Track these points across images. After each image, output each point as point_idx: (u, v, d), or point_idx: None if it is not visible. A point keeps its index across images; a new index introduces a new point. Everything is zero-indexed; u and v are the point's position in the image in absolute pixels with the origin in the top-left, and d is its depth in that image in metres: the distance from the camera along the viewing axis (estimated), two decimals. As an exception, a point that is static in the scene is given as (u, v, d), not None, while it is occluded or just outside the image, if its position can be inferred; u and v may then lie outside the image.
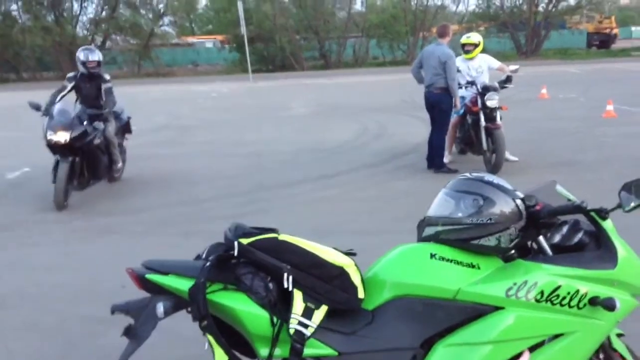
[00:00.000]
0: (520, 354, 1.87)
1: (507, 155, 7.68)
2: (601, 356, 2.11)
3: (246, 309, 1.83)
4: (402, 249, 2.05)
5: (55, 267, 4.80)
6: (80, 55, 7.05)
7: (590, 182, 6.59)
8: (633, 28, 47.21)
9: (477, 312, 1.89)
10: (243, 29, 26.32)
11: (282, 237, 1.92)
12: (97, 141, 6.79)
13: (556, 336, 1.90)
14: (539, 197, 2.17)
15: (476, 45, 7.83)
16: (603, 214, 2.00)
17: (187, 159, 9.22)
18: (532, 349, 1.89)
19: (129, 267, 1.94)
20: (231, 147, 10.29)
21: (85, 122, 6.63)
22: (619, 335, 2.18)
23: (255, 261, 1.89)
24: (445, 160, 7.69)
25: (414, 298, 1.92)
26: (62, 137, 6.28)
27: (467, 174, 2.11)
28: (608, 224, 2.02)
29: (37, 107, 6.65)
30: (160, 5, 36.60)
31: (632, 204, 1.98)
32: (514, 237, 1.99)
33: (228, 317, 1.87)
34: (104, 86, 7.14)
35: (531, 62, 29.59)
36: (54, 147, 6.36)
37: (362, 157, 8.77)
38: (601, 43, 37.86)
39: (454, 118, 7.80)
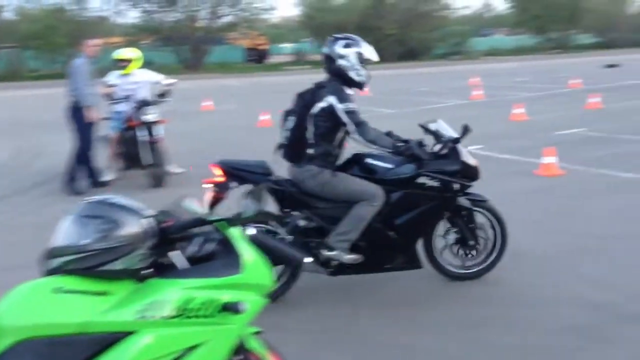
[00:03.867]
0: (157, 374, 1.85)
1: (173, 168, 7.79)
2: (241, 357, 2.23)
3: None
4: (20, 288, 1.85)
5: None
6: (361, 48, 4.00)
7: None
8: (283, 45, 52.62)
9: (108, 341, 1.80)
10: None
11: None
12: None
13: (193, 348, 1.94)
14: (174, 212, 2.19)
15: (130, 61, 7.73)
16: (228, 223, 2.11)
17: None
18: (170, 366, 1.89)
19: None
20: None
21: None
22: (257, 333, 2.32)
23: None
24: (108, 177, 7.44)
25: (38, 339, 1.74)
26: None
27: (92, 197, 2.01)
28: (233, 232, 2.14)
29: None
30: None
31: (251, 211, 2.13)
32: (147, 256, 1.97)
33: None
34: None
35: (195, 76, 30.65)
36: None
37: (19, 180, 7.95)
38: (257, 58, 41.33)
39: (114, 133, 7.60)
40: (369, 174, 4.03)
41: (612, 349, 3.43)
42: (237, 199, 2.36)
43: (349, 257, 3.93)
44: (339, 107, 3.83)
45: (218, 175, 3.97)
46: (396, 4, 39.79)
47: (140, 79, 7.81)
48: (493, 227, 4.32)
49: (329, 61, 3.97)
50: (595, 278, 4.41)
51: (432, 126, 4.18)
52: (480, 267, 4.37)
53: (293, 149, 4.02)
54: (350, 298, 4.19)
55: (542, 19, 44.38)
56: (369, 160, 4.11)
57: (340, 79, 3.96)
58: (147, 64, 8.19)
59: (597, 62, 28.75)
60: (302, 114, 3.96)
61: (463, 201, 4.18)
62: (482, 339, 3.59)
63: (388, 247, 4.07)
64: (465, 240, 4.25)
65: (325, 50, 4.02)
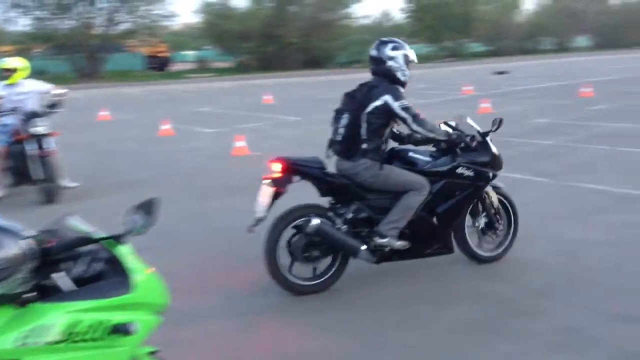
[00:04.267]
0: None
1: (67, 182, 7.42)
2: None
3: None
4: None
5: None
6: (406, 50, 4.40)
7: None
8: (186, 52, 51.56)
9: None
10: None
11: None
12: None
13: (81, 374, 1.85)
14: (58, 231, 2.08)
15: (15, 70, 7.30)
16: (116, 240, 2.03)
17: None
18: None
19: None
20: None
21: None
22: (153, 352, 2.25)
23: None
24: (-2, 194, 6.98)
25: None
26: None
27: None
28: (123, 250, 2.06)
29: None
30: None
31: (141, 224, 2.07)
32: (28, 279, 1.86)
33: None
34: None
35: (92, 85, 29.40)
36: None
37: None
38: (158, 66, 40.29)
39: (0, 147, 7.14)
40: (410, 166, 4.42)
41: (512, 343, 3.58)
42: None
43: (399, 244, 4.29)
44: (395, 104, 4.14)
45: (277, 170, 4.14)
46: (298, 13, 40.15)
47: (28, 89, 7.39)
48: (507, 212, 4.86)
49: (378, 63, 4.30)
50: (496, 274, 4.62)
51: (453, 123, 4.70)
52: (502, 248, 4.85)
53: (346, 144, 4.29)
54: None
55: (437, 29, 46.42)
56: (411, 154, 4.52)
57: (387, 79, 4.28)
58: (40, 73, 7.77)
59: (487, 69, 30.40)
60: (357, 112, 4.22)
61: (487, 188, 4.70)
62: (383, 340, 3.67)
63: (429, 233, 4.46)
64: (492, 224, 4.74)
65: (373, 53, 4.33)
